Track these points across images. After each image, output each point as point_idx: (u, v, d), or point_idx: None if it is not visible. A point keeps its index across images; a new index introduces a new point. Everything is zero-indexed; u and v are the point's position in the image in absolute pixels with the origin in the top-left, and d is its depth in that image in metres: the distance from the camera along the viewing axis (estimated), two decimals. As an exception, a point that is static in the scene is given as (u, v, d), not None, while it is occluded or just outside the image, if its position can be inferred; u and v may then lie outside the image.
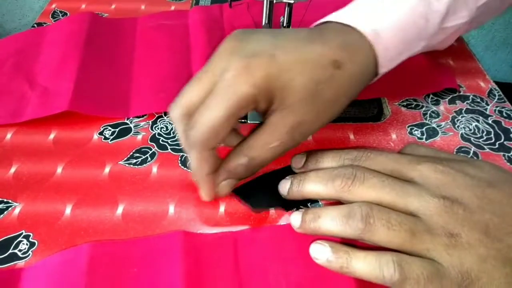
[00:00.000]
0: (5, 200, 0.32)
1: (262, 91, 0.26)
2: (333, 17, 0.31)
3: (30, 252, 0.29)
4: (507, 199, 0.25)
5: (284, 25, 0.39)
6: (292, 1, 0.37)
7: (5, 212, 0.32)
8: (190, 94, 0.28)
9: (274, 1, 0.37)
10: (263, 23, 0.39)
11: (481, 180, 0.26)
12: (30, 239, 0.30)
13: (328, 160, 0.31)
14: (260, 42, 0.27)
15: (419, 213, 0.25)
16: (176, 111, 0.28)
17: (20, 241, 0.30)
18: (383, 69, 0.31)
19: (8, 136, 0.37)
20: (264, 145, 0.28)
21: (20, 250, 0.29)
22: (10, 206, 0.32)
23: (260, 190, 0.32)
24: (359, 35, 0.29)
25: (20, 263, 0.29)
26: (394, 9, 0.30)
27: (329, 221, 0.27)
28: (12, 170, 0.35)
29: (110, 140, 0.37)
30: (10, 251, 0.29)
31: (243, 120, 0.39)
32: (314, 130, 0.29)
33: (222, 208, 0.32)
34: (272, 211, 0.32)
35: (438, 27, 0.32)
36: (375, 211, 0.25)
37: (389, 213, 0.25)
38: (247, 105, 0.26)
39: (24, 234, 0.30)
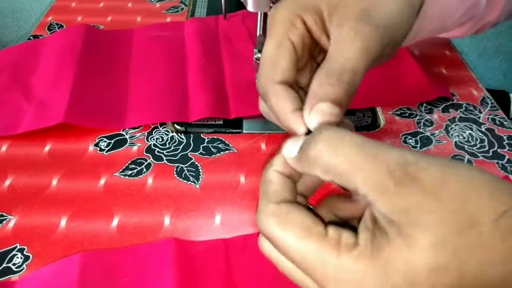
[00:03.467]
0: (-1, 213, 0.32)
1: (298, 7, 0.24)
2: None
3: (24, 266, 0.29)
4: None
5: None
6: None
7: (0, 225, 0.31)
8: None
9: (268, 13, 0.38)
10: (258, 34, 0.39)
11: None
12: (24, 253, 0.30)
13: None
14: None
15: None
16: None
17: (15, 255, 0.30)
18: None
19: (3, 148, 0.37)
20: (356, 50, 0.22)
21: (14, 264, 0.29)
22: (5, 219, 0.32)
23: None
24: None
25: (14, 277, 0.28)
26: None
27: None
28: (7, 182, 0.34)
29: (106, 152, 0.37)
30: (4, 265, 0.29)
31: (238, 130, 0.40)
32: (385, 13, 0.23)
33: (217, 219, 0.32)
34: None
35: None
36: None
37: None
38: (290, 25, 0.24)
39: (18, 247, 0.30)
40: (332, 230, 0.19)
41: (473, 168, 0.17)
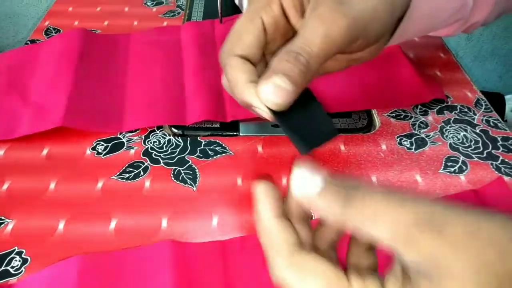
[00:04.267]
0: (-3, 216, 0.32)
1: None
2: None
3: (22, 268, 0.29)
4: None
5: None
6: None
7: (-2, 229, 0.32)
8: None
9: None
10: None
11: None
12: (22, 256, 0.30)
13: None
14: None
15: None
16: None
17: (13, 258, 0.30)
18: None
19: (1, 152, 0.37)
20: (318, 34, 0.22)
21: (12, 267, 0.29)
22: (3, 222, 0.32)
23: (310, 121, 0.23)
24: None
25: (13, 280, 0.29)
26: None
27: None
28: (5, 186, 0.35)
29: (103, 155, 0.37)
30: (3, 268, 0.29)
31: (234, 133, 0.40)
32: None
33: (215, 221, 0.32)
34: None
35: None
36: None
37: None
38: (266, 5, 0.24)
39: (16, 250, 0.30)
40: (356, 284, 0.17)
41: (509, 219, 0.16)
